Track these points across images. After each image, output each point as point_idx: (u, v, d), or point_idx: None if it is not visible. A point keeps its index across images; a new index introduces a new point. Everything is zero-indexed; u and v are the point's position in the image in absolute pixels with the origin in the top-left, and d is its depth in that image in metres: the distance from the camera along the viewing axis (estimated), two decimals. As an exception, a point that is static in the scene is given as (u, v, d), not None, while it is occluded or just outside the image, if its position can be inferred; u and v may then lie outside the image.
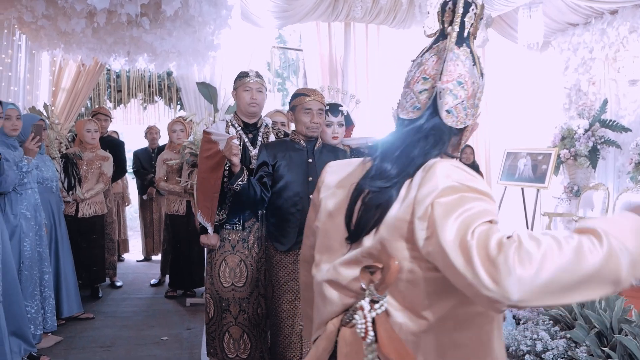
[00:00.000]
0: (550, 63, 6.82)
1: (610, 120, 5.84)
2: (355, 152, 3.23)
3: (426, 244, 0.95)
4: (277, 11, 5.73)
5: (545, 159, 5.88)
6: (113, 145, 5.09)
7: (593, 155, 5.97)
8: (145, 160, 5.85)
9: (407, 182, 1.03)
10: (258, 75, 2.93)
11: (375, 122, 6.55)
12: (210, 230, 2.82)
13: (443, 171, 0.99)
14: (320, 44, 6.80)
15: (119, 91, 6.31)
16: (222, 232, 2.88)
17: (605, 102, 5.95)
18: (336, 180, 1.22)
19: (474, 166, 5.77)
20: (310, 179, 2.67)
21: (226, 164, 2.75)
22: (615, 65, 5.99)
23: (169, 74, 6.30)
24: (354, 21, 6.48)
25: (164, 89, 6.41)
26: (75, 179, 4.47)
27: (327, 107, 2.87)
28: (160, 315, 4.25)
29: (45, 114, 4.62)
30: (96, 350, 3.53)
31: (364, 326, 0.97)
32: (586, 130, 5.99)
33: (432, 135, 1.09)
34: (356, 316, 0.99)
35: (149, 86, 6.39)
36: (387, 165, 1.07)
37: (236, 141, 2.61)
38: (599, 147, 5.95)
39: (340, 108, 3.03)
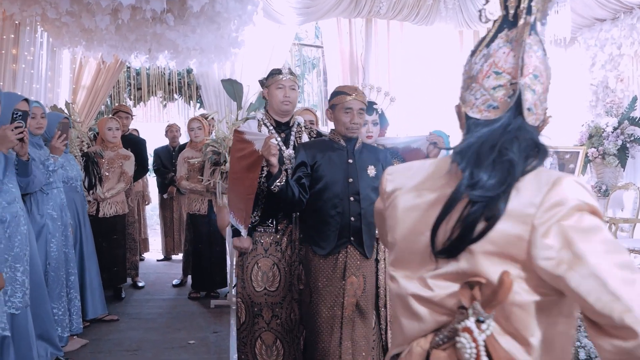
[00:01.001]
0: (576, 59, 6.67)
1: (640, 118, 5.70)
2: (389, 152, 3.13)
3: (554, 264, 0.86)
4: (300, 7, 5.64)
5: (573, 157, 5.73)
6: (134, 143, 5.02)
7: (622, 154, 5.82)
8: (166, 159, 5.78)
9: (513, 192, 0.94)
10: (291, 73, 2.82)
11: (398, 120, 6.44)
12: (243, 233, 2.71)
13: (571, 191, 0.90)
14: (340, 41, 6.70)
15: (139, 89, 6.24)
16: (254, 234, 2.78)
17: (635, 99, 5.80)
18: (407, 188, 1.11)
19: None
20: (350, 180, 2.55)
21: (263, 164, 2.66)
22: (645, 61, 5.84)
23: (189, 71, 6.22)
24: (376, 17, 6.36)
25: (184, 86, 6.33)
26: (96, 178, 4.40)
27: None
28: (185, 318, 4.17)
29: (66, 112, 4.55)
30: (123, 353, 3.46)
31: (474, 350, 0.87)
32: (615, 129, 5.85)
33: (524, 139, 0.99)
34: (461, 340, 0.89)
35: (169, 84, 6.31)
36: (483, 174, 0.96)
37: (274, 140, 2.50)
38: (628, 145, 5.80)
39: (374, 106, 2.94)
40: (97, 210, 4.41)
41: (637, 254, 4.88)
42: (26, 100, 3.05)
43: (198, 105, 6.41)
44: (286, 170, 2.65)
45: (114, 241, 4.53)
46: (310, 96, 9.26)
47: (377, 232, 2.53)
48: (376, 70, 6.68)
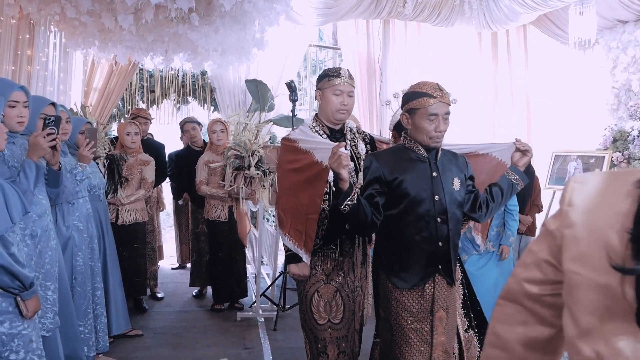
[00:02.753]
0: (596, 62, 6.55)
1: (668, 122, 5.58)
2: None
3: None
4: (322, 8, 5.47)
5: (598, 162, 5.59)
6: (153, 148, 4.80)
7: (648, 159, 5.70)
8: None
9: None
10: (350, 77, 2.48)
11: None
12: (306, 259, 2.32)
13: None
14: (358, 42, 6.54)
15: (152, 91, 6.02)
16: (312, 259, 2.39)
17: (661, 102, 5.69)
18: (597, 214, 0.87)
19: (530, 171, 5.47)
20: (436, 197, 2.12)
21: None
22: (670, 64, 5.73)
23: (203, 73, 6.01)
24: (395, 18, 6.20)
25: (198, 89, 6.12)
26: (118, 181, 4.17)
27: None
28: (212, 332, 3.96)
29: (82, 114, 4.34)
30: (154, 373, 3.27)
31: None
32: (640, 132, 5.73)
33: None
34: None
35: (183, 86, 6.09)
36: None
37: (344, 150, 2.05)
38: (654, 149, 5.68)
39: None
40: (117, 217, 4.19)
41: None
42: (53, 104, 2.85)
43: (212, 108, 6.20)
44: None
45: (135, 250, 4.29)
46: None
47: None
48: (394, 72, 6.52)
